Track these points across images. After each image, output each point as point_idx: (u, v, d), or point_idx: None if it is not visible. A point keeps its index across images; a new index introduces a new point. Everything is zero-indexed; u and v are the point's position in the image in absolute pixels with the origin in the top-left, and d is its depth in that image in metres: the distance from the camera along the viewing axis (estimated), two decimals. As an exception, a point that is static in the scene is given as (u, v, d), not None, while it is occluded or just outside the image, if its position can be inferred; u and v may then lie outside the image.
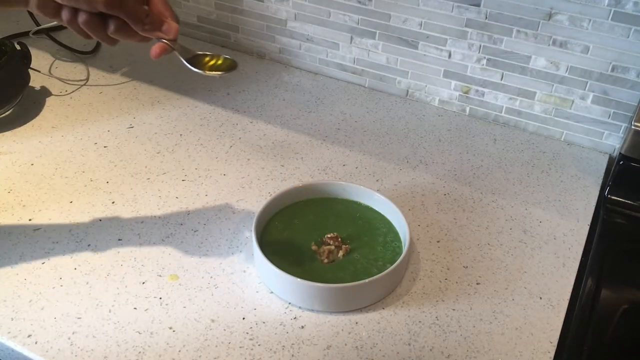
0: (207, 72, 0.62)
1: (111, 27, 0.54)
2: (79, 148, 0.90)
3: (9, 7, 0.55)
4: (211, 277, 0.70)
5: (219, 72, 0.62)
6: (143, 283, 0.69)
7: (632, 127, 0.83)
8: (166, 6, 0.58)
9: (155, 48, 0.59)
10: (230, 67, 0.63)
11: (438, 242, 0.78)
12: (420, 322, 0.67)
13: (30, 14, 1.14)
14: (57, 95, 1.02)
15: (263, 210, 0.73)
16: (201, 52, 0.63)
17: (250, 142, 0.94)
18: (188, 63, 0.61)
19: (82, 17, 0.52)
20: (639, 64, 0.87)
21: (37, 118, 0.96)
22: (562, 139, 0.99)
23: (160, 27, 0.57)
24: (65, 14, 0.52)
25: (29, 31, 1.13)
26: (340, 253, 0.71)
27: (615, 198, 0.86)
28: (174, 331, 0.64)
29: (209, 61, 0.63)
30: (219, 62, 0.64)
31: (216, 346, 0.63)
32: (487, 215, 0.82)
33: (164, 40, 0.59)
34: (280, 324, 0.65)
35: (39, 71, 1.06)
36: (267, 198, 0.75)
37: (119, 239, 0.75)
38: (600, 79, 0.91)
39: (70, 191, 0.82)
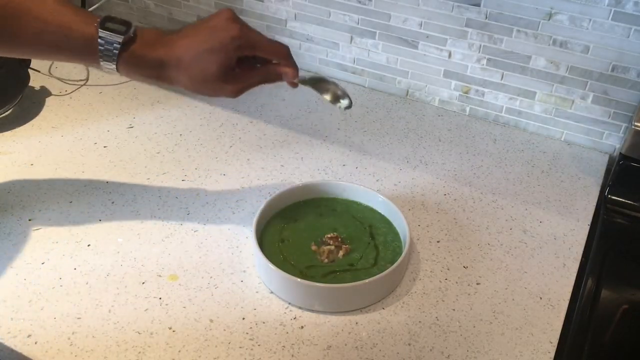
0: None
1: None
2: (78, 148, 0.90)
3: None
4: (211, 277, 0.70)
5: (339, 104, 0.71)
6: (143, 283, 0.69)
7: (633, 127, 0.83)
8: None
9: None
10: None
11: (438, 242, 0.78)
12: (420, 322, 0.67)
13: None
14: (56, 95, 1.02)
15: (263, 210, 0.73)
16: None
17: (250, 142, 0.94)
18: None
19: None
20: (639, 64, 0.87)
21: (37, 118, 0.96)
22: (562, 139, 0.99)
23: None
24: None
25: (29, 31, 1.13)
26: (340, 253, 0.71)
27: (615, 198, 0.86)
28: (173, 331, 0.64)
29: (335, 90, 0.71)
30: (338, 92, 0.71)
31: (216, 346, 0.63)
32: (487, 215, 0.82)
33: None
34: (280, 324, 0.65)
35: (38, 71, 1.06)
36: (267, 198, 0.75)
37: (119, 239, 0.75)
38: (601, 79, 0.91)
39: (70, 191, 0.82)
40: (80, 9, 0.62)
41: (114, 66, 0.61)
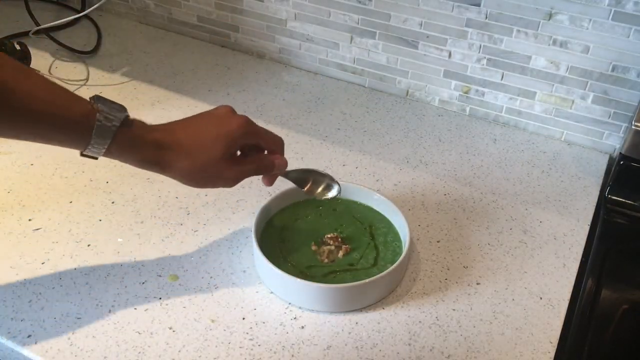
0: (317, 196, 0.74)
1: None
2: (79, 148, 0.90)
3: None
4: (211, 277, 0.70)
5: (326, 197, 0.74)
6: (143, 283, 0.69)
7: (633, 127, 0.83)
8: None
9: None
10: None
11: (438, 242, 0.78)
12: (420, 322, 0.67)
13: (30, 13, 1.14)
14: (57, 95, 1.02)
15: (263, 210, 0.73)
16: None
17: (250, 142, 0.93)
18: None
19: None
20: (639, 64, 0.87)
21: (37, 118, 0.95)
22: (562, 139, 0.99)
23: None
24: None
25: (29, 31, 1.13)
26: (340, 253, 0.71)
27: (615, 198, 0.86)
28: (173, 331, 0.64)
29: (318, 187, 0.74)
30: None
31: (216, 346, 0.63)
32: (487, 215, 0.82)
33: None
34: (280, 324, 0.65)
35: (38, 71, 1.06)
36: (267, 198, 0.75)
37: (119, 239, 0.75)
38: (601, 79, 0.91)
39: (70, 191, 0.82)
40: (68, 90, 0.57)
41: (105, 147, 0.57)
